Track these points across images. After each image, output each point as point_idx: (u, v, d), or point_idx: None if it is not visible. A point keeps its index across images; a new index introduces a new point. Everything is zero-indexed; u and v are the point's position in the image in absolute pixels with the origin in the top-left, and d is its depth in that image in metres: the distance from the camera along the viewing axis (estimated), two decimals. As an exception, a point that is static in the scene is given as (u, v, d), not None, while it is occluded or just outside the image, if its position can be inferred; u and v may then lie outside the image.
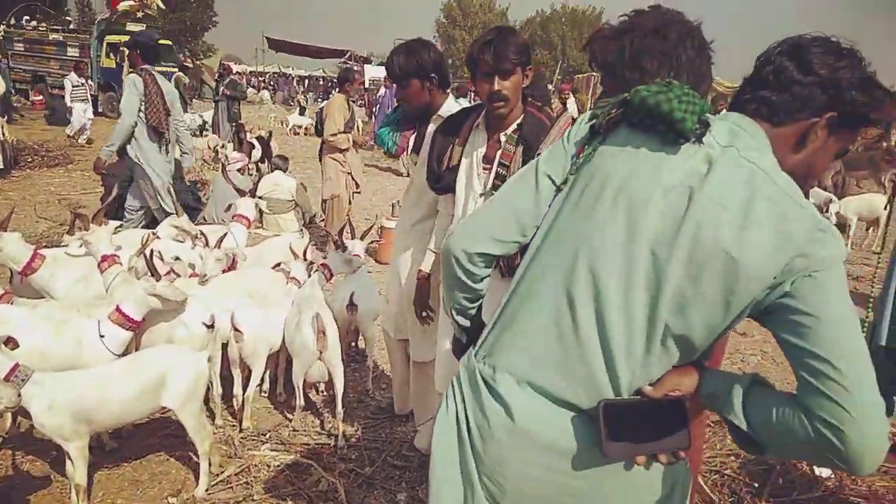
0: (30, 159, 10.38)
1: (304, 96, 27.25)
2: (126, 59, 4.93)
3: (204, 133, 12.54)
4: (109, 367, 2.71)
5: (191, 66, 17.15)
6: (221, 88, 11.60)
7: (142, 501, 2.79)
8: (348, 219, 4.11)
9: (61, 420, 2.46)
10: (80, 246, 3.59)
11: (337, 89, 6.33)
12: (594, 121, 1.21)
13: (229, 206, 4.69)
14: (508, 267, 2.18)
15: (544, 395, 1.18)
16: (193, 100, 14.51)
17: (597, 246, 1.14)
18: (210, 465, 2.85)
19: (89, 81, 16.22)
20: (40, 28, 20.50)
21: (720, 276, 1.07)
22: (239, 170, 7.71)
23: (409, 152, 2.92)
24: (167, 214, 4.82)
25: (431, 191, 2.65)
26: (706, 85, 1.37)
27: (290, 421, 3.42)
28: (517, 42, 2.12)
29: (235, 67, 36.36)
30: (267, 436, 3.29)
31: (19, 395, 2.02)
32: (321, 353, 3.15)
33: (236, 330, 3.24)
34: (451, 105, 2.75)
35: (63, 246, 3.88)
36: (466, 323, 1.46)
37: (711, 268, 1.07)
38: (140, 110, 4.98)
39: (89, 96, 14.30)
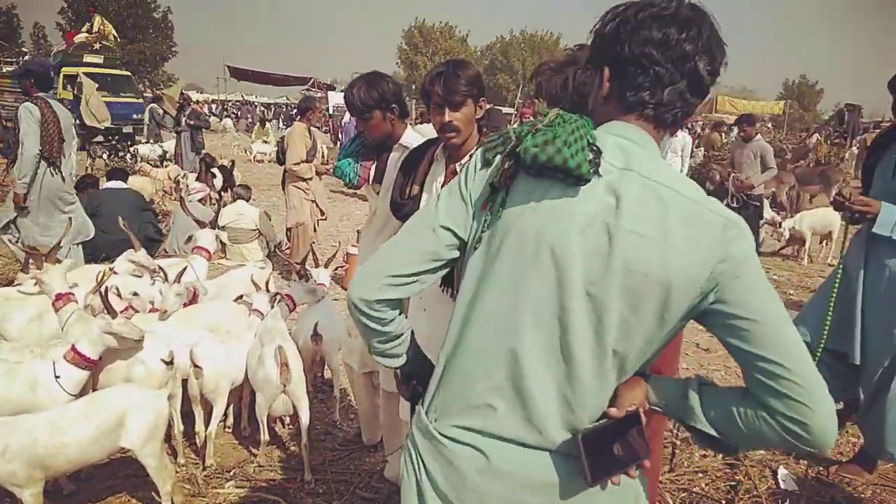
0: (-19, 194, 10.07)
1: (268, 122, 27.15)
2: (30, 89, 5.02)
3: (165, 163, 12.37)
4: (65, 409, 2.63)
5: (160, 96, 16.89)
6: (183, 119, 11.50)
7: (101, 547, 2.70)
8: (311, 247, 4.10)
9: (14, 467, 2.38)
10: (35, 284, 3.50)
11: (298, 118, 6.34)
12: (490, 175, 1.22)
13: (189, 237, 4.63)
14: (448, 282, 2.17)
15: (510, 441, 1.19)
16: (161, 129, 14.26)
17: (532, 297, 1.15)
18: (172, 505, 2.78)
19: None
20: (-6, 60, 20.14)
21: (655, 299, 1.11)
22: (200, 200, 7.64)
23: (370, 182, 2.93)
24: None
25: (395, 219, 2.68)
26: None
27: (256, 456, 3.36)
28: (468, 74, 2.17)
29: (196, 96, 36.12)
30: (231, 472, 3.22)
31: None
32: (285, 385, 3.12)
33: (196, 366, 3.18)
34: (410, 134, 2.79)
35: (17, 285, 3.78)
36: (395, 363, 1.41)
37: (646, 294, 1.11)
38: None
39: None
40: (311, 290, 3.83)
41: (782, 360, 1.06)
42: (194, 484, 3.10)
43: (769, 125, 27.56)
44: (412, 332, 1.42)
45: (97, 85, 16.52)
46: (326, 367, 4.06)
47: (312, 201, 5.90)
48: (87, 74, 16.64)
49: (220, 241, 4.66)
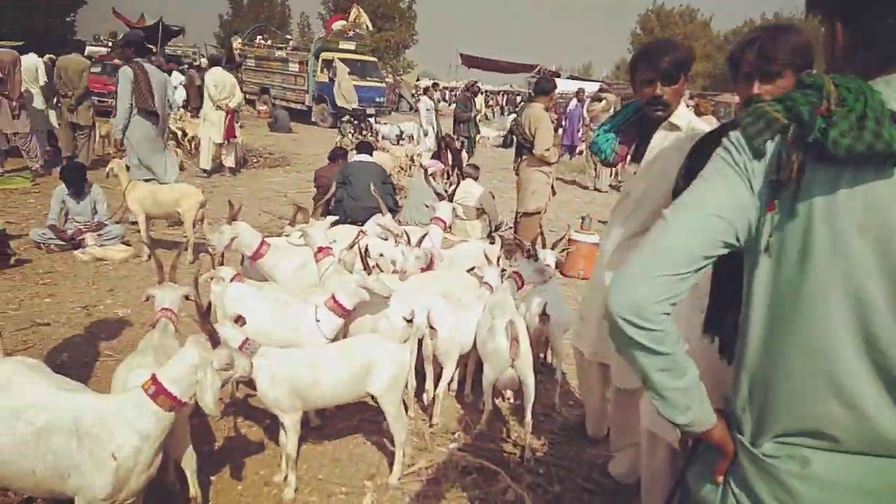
0: (256, 160, 11.79)
1: (491, 110, 27.99)
2: (123, 55, 6.70)
3: (401, 142, 13.34)
4: (323, 350, 2.91)
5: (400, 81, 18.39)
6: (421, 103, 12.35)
7: (339, 479, 2.96)
8: (541, 228, 4.06)
9: (280, 393, 2.68)
10: (300, 237, 3.94)
11: (532, 100, 6.29)
12: (767, 168, 1.07)
13: (427, 207, 4.88)
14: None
15: (845, 452, 1.07)
16: (391, 112, 15.56)
17: (854, 305, 1.01)
18: (403, 454, 2.94)
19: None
20: (267, 46, 23.33)
21: None
22: (432, 174, 8.05)
23: (627, 162, 2.77)
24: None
25: (653, 205, 2.53)
26: None
27: (477, 424, 3.43)
28: (791, 41, 1.86)
29: (427, 83, 38.44)
30: (455, 435, 3.33)
31: (252, 365, 2.23)
32: (513, 360, 3.12)
33: (432, 327, 3.32)
34: (683, 112, 2.58)
35: (286, 236, 4.28)
36: (681, 418, 1.17)
37: None
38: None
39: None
40: (540, 269, 3.80)
41: None
42: (421, 439, 3.26)
43: None
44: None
45: (348, 69, 18.38)
46: (549, 349, 4.04)
47: (551, 186, 5.82)
48: (341, 60, 18.58)
49: (455, 215, 4.84)
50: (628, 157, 2.77)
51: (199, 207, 5.77)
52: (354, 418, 3.42)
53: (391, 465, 3.05)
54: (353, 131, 14.88)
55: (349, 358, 2.81)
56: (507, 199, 9.13)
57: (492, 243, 4.46)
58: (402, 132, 14.16)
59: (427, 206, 6.90)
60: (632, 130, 2.77)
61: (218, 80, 9.64)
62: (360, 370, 2.79)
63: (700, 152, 2.25)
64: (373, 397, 2.88)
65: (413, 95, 29.31)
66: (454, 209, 4.78)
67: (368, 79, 19.88)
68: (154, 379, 2.06)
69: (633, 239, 2.69)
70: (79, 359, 3.92)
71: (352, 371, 2.78)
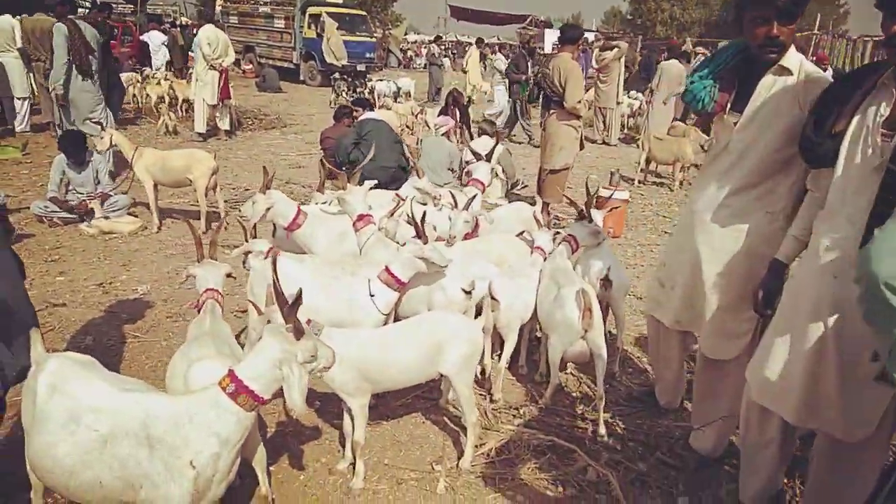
0: (250, 122, 11.33)
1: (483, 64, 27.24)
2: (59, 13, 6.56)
3: (398, 100, 12.87)
4: (391, 329, 2.69)
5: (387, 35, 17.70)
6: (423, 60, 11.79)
7: (406, 463, 2.77)
8: (587, 187, 3.80)
9: (348, 376, 2.46)
10: (337, 204, 3.65)
11: (560, 49, 5.93)
12: None
13: (465, 170, 4.58)
14: None
15: None
16: (382, 68, 14.97)
17: None
18: (474, 436, 2.75)
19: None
20: (251, 2, 22.33)
21: None
22: (444, 134, 7.71)
23: (727, 110, 2.49)
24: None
25: (757, 159, 2.30)
26: None
27: (540, 399, 3.24)
28: None
29: (413, 37, 37.38)
30: (521, 411, 3.14)
31: (334, 355, 2.00)
32: (585, 331, 2.91)
33: (494, 298, 3.10)
34: (794, 53, 2.31)
35: (321, 203, 3.99)
36: None
37: None
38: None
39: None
40: (594, 231, 3.58)
41: None
42: (485, 417, 3.06)
43: None
44: None
45: (337, 24, 17.65)
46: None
47: (580, 141, 5.48)
48: (328, 14, 17.82)
49: (495, 175, 4.56)
50: (728, 106, 2.50)
51: (211, 174, 5.44)
52: (409, 395, 3.22)
53: (455, 444, 2.87)
54: (346, 89, 14.36)
55: (418, 337, 2.59)
56: (517, 155, 8.83)
57: (535, 204, 4.20)
58: (399, 88, 13.66)
59: (452, 171, 6.61)
60: (731, 76, 2.50)
61: (212, 38, 9.11)
62: (431, 349, 2.57)
63: (833, 100, 2.01)
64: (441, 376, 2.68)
65: (402, 50, 28.46)
66: (492, 170, 4.49)
67: (358, 33, 19.15)
68: (232, 375, 1.82)
69: (733, 197, 2.45)
70: (103, 342, 3.67)
71: (423, 350, 2.56)
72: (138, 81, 11.72)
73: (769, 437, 2.23)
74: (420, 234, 3.01)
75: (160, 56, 15.32)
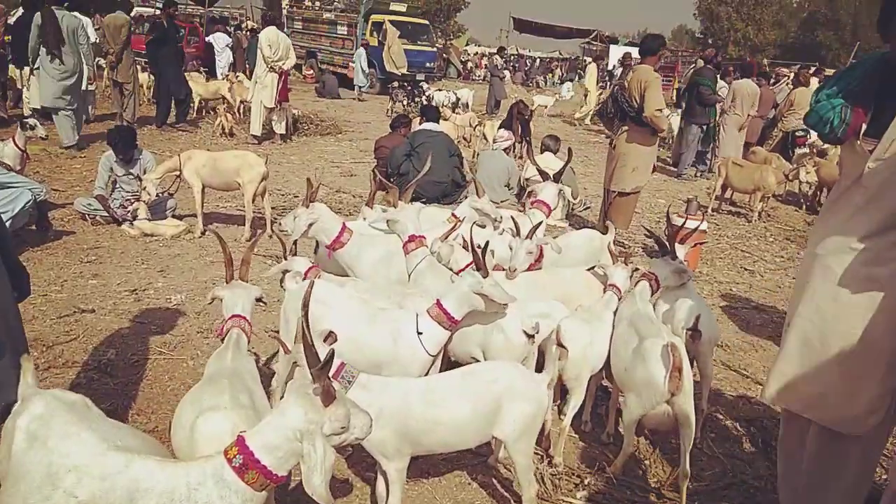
0: (306, 127, 11.16)
1: (543, 77, 26.83)
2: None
3: (456, 111, 12.54)
4: (439, 380, 2.26)
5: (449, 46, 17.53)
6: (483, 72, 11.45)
7: (447, 536, 2.34)
8: (669, 217, 3.30)
9: (386, 434, 2.05)
10: (387, 224, 3.27)
11: (641, 61, 5.42)
12: None
13: (528, 191, 4.14)
14: None
15: None
16: (441, 79, 14.72)
17: None
18: (529, 512, 2.30)
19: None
20: (315, 8, 22.51)
21: None
22: (505, 149, 7.29)
23: (860, 136, 2.01)
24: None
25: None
26: None
27: (607, 464, 2.76)
28: None
29: (473, 49, 37.20)
30: (585, 480, 2.67)
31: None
32: (672, 394, 2.43)
33: (561, 345, 2.64)
34: None
35: (369, 220, 3.63)
36: None
37: None
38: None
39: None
40: (679, 270, 3.08)
41: None
42: (540, 483, 2.61)
43: None
44: None
45: (399, 32, 17.51)
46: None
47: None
48: (391, 22, 17.71)
49: (563, 198, 4.10)
50: (861, 130, 2.02)
51: (261, 180, 5.17)
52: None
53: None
54: (405, 98, 14.12)
55: (473, 391, 2.16)
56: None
57: (607, 233, 3.72)
58: (458, 99, 13.33)
59: (508, 187, 6.19)
60: (866, 96, 2.02)
61: (273, 41, 8.96)
62: (488, 407, 2.14)
63: None
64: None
65: (462, 61, 28.22)
66: (561, 191, 4.03)
67: (419, 42, 18.99)
68: (242, 443, 1.44)
69: (867, 240, 1.95)
70: (126, 356, 3.38)
71: (476, 409, 2.13)
72: (231, 82, 11.59)
73: None
74: (480, 266, 2.58)
75: (224, 57, 15.43)
